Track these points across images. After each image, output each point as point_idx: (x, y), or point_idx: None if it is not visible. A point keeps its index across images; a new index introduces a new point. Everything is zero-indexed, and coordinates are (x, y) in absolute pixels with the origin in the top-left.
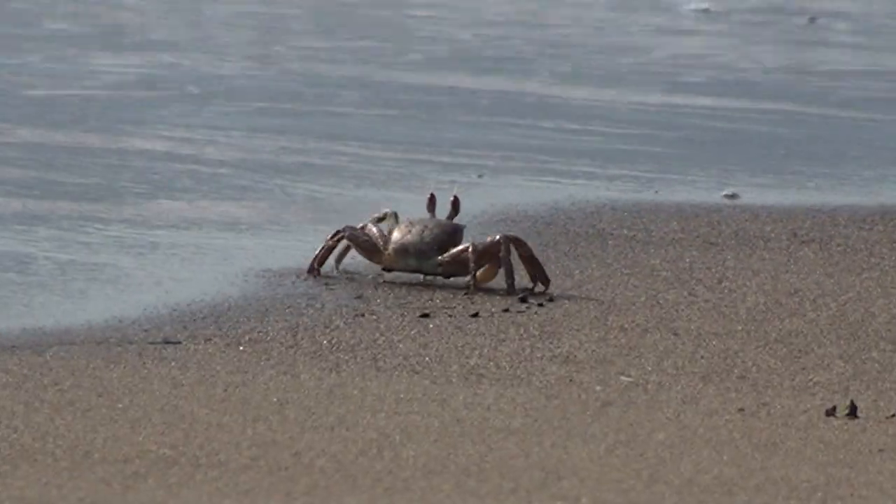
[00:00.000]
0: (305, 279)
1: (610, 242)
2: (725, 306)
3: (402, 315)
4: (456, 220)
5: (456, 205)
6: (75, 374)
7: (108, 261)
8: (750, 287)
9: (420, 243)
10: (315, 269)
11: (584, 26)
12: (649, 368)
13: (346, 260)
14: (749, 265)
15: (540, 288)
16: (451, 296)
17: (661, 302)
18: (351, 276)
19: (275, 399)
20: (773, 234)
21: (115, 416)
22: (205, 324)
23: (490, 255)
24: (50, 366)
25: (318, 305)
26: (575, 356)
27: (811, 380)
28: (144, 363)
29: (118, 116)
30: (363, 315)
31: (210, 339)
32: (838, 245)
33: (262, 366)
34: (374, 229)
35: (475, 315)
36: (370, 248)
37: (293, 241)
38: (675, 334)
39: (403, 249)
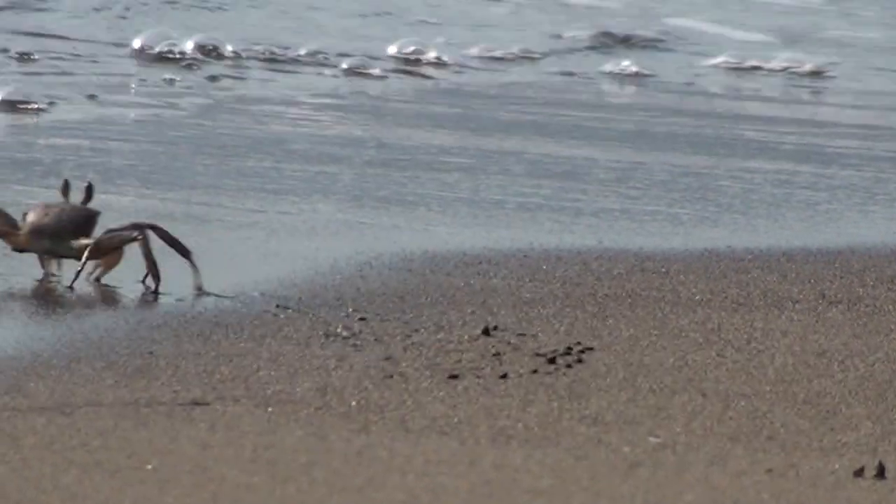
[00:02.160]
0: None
1: (639, 304)
2: (754, 367)
3: (430, 376)
4: (90, 206)
5: (90, 190)
6: (103, 435)
7: (138, 321)
8: (778, 348)
9: (56, 226)
10: None
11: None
12: (678, 429)
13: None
14: (777, 326)
15: (151, 284)
16: (480, 357)
17: (689, 363)
18: (378, 338)
19: (303, 460)
20: (801, 295)
21: (143, 478)
22: (234, 385)
23: (119, 242)
24: (78, 426)
25: (347, 367)
26: (603, 417)
27: (839, 440)
28: (173, 424)
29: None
30: (392, 376)
31: (238, 401)
32: (866, 306)
33: (291, 427)
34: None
35: (504, 376)
36: (2, 232)
37: (316, 299)
38: (704, 395)
39: (38, 231)
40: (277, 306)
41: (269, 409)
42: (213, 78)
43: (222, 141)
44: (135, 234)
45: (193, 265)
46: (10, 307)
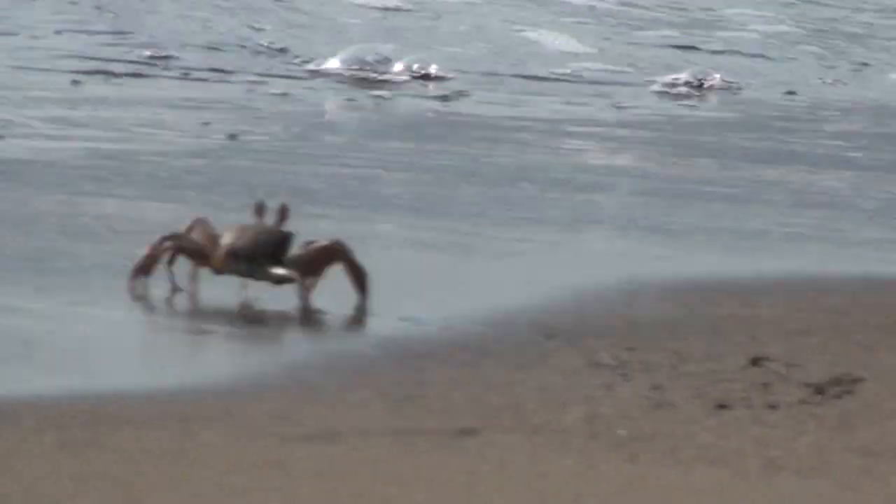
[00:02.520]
0: (132, 288)
1: None
2: None
3: (699, 406)
4: (284, 228)
5: (284, 212)
6: (372, 464)
7: (405, 350)
8: None
9: (251, 248)
10: (137, 274)
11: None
12: None
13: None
14: None
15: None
16: (749, 387)
17: None
18: (646, 367)
19: (573, 490)
20: None
21: None
22: (502, 414)
23: (317, 264)
24: (346, 455)
25: (615, 396)
26: (874, 448)
27: None
28: (442, 453)
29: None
30: (660, 406)
31: (507, 430)
32: None
33: (560, 456)
34: (201, 234)
35: (773, 406)
36: (198, 253)
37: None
38: None
39: (234, 254)
40: (544, 335)
41: (538, 439)
42: (444, 98)
43: (484, 169)
44: (325, 242)
45: (364, 300)
46: (275, 334)
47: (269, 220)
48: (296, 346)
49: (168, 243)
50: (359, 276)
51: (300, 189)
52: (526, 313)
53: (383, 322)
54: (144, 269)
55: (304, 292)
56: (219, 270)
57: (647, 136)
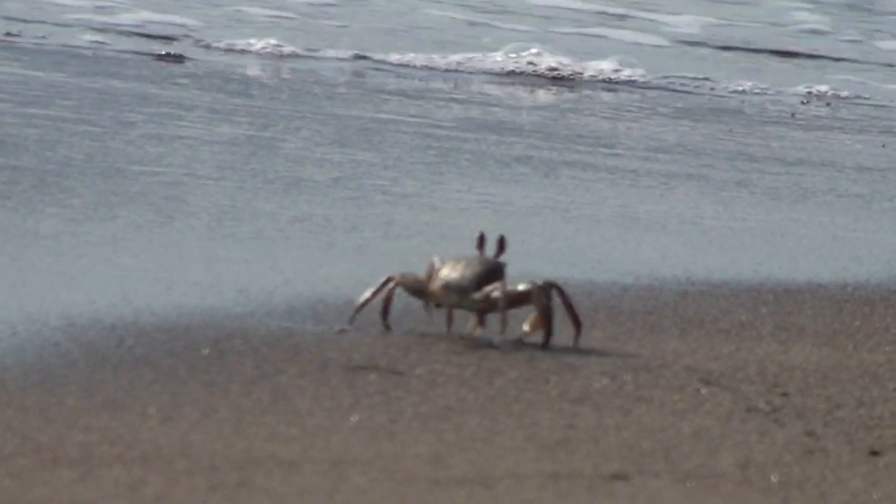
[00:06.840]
0: (341, 331)
1: None
2: None
3: (851, 452)
4: (501, 259)
5: (502, 243)
6: None
7: (559, 394)
8: None
9: (461, 280)
10: (362, 308)
11: None
12: None
13: None
14: None
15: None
16: None
17: None
18: (800, 413)
19: None
20: None
21: None
22: (654, 458)
23: (521, 301)
24: (499, 499)
25: (769, 441)
26: None
27: None
28: (593, 497)
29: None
30: (812, 452)
31: (659, 475)
32: None
33: (712, 501)
34: (426, 268)
35: None
36: (419, 289)
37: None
38: None
39: (446, 286)
40: (699, 380)
41: (690, 484)
42: None
43: None
44: (529, 287)
45: (578, 335)
46: (432, 376)
47: (489, 251)
48: (459, 386)
49: (391, 283)
50: (573, 317)
51: None
52: (682, 358)
53: (539, 364)
54: (367, 304)
55: (501, 326)
56: (436, 303)
57: None
